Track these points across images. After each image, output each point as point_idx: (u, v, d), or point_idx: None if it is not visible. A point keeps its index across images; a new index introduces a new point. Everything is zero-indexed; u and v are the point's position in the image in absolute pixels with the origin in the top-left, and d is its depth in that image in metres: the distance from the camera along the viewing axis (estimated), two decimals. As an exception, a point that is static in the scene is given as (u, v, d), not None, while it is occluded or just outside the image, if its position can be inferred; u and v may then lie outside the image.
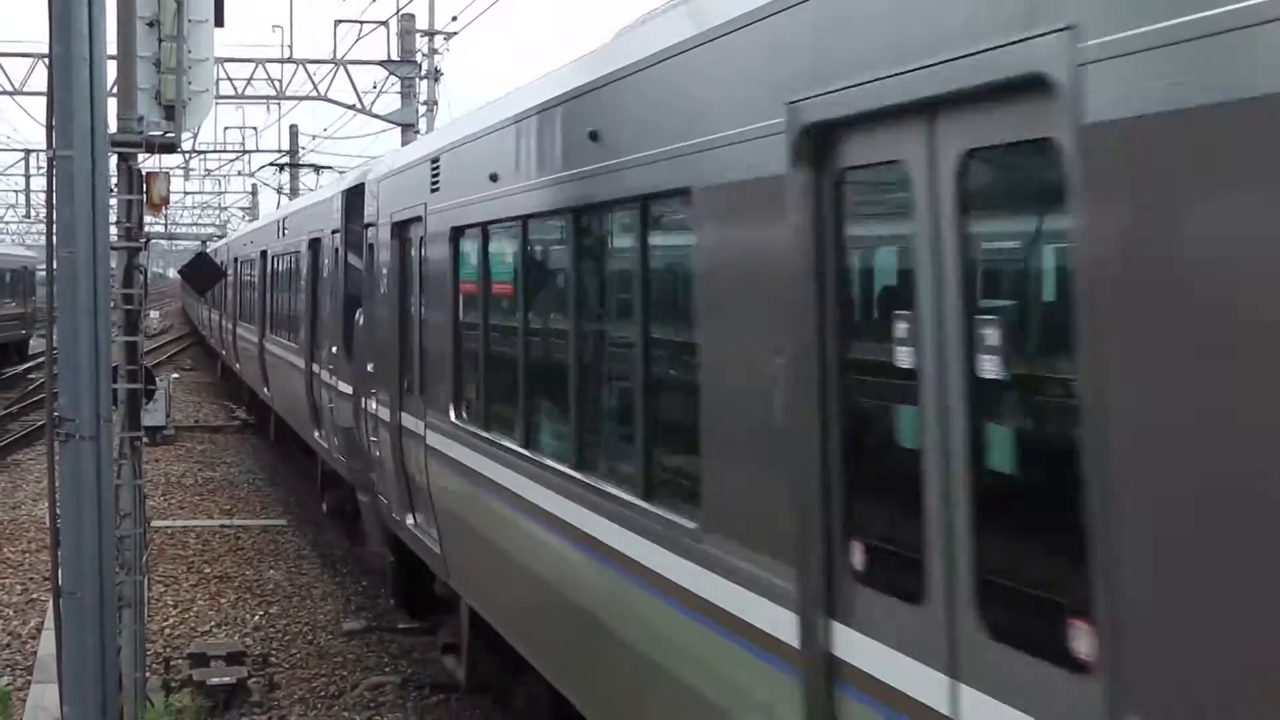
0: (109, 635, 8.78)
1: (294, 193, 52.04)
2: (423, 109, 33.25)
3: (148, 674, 11.10)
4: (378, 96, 34.57)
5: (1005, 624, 3.84)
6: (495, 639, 9.56)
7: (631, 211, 6.51)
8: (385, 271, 12.40)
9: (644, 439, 6.37)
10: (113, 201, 9.66)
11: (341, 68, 34.07)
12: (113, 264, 9.44)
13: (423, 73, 33.41)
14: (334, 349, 16.57)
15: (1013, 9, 3.63)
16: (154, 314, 72.34)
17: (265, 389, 25.54)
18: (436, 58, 33.91)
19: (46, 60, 8.67)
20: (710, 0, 5.84)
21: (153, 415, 25.72)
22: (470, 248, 9.67)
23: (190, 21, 10.32)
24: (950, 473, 4.01)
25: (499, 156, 8.67)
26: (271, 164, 29.72)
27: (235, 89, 35.72)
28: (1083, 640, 3.47)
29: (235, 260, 33.56)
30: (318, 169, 32.62)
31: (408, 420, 11.59)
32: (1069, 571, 3.52)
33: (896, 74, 4.13)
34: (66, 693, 8.74)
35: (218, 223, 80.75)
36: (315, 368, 18.55)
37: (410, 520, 11.78)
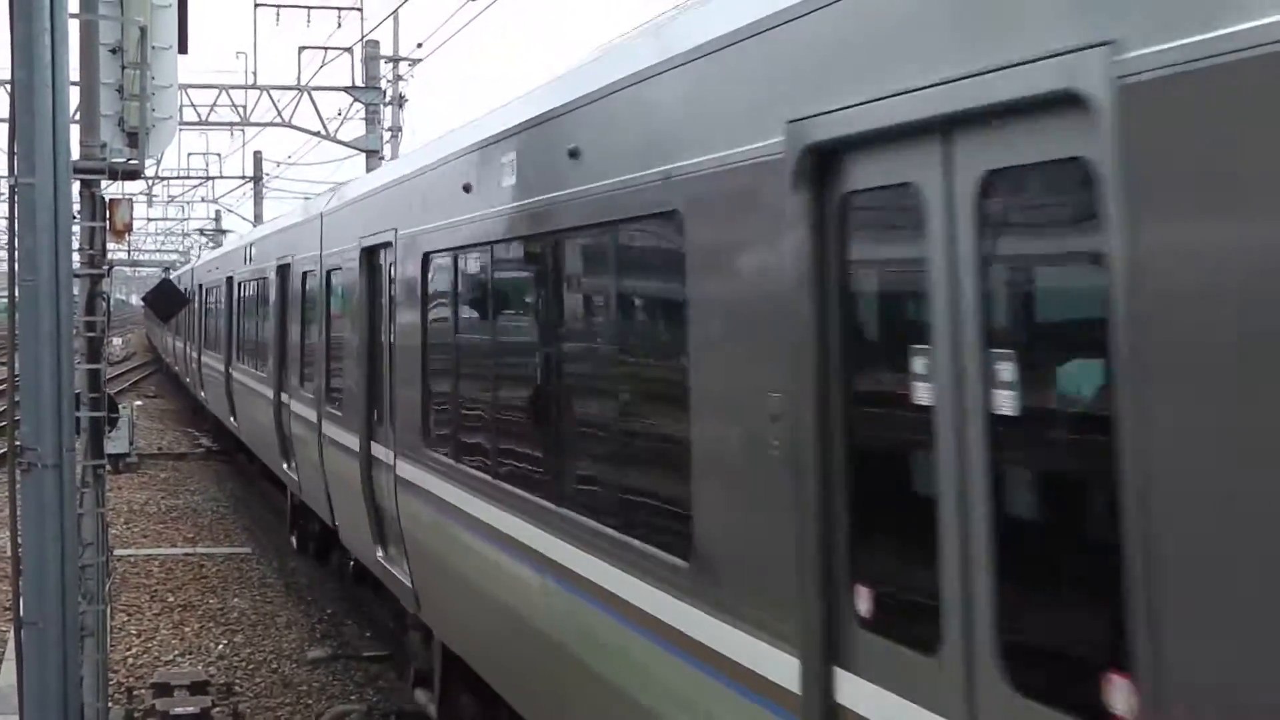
0: (71, 665, 8.70)
1: (258, 219, 51.95)
2: (387, 135, 33.24)
3: (110, 704, 11.00)
4: (342, 123, 34.50)
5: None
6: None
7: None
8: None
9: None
10: (75, 228, 9.61)
11: (306, 94, 34.01)
12: (75, 291, 9.39)
13: (387, 99, 33.39)
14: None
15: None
16: (117, 341, 71.96)
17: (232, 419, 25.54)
18: (401, 84, 33.93)
19: (8, 86, 8.63)
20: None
21: (116, 443, 25.61)
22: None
23: (154, 48, 10.28)
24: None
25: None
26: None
27: (199, 115, 35.61)
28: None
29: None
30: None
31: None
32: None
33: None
34: (28, 724, 8.65)
35: (181, 249, 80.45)
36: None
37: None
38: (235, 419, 24.92)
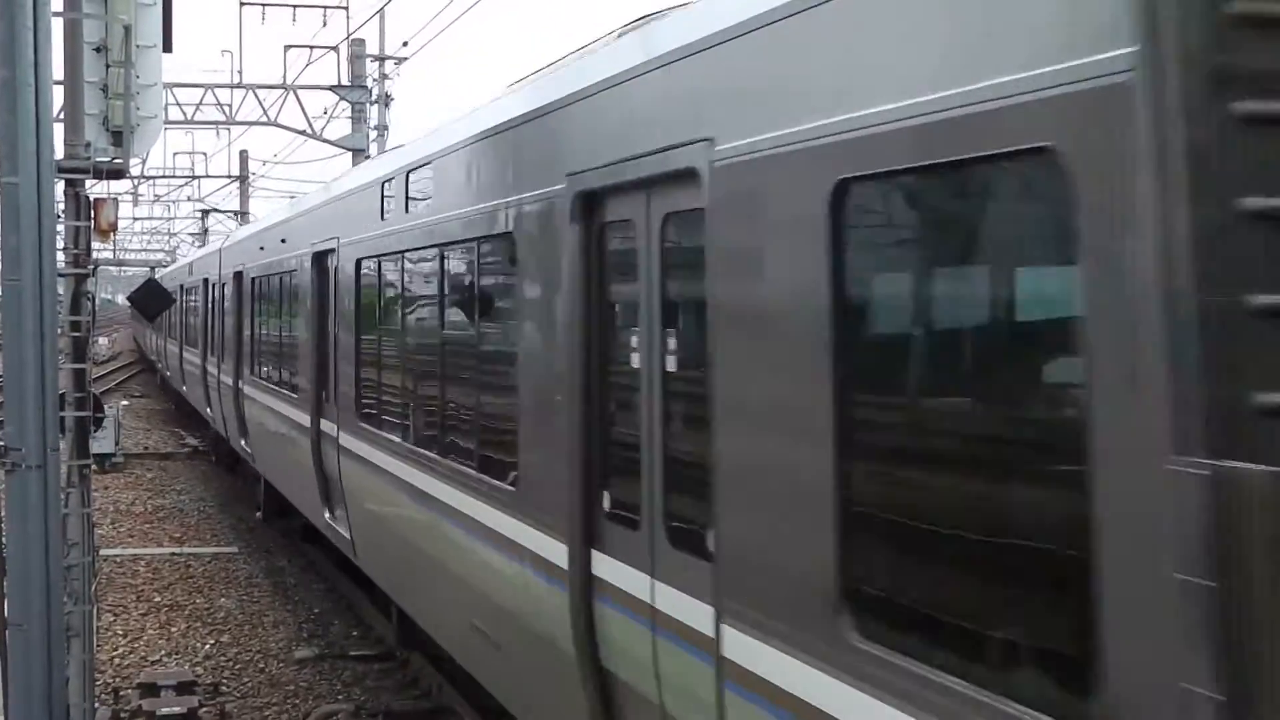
0: (57, 666, 8.68)
1: (243, 218, 51.83)
2: (373, 134, 33.20)
3: (96, 704, 10.97)
4: (328, 122, 34.46)
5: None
6: None
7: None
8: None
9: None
10: (60, 228, 9.59)
11: (292, 93, 33.97)
12: (60, 290, 9.37)
13: (373, 98, 33.36)
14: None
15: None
16: (102, 341, 71.82)
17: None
18: (387, 83, 33.89)
19: (-8, 85, 8.60)
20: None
21: (101, 443, 25.56)
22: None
23: (138, 47, 10.26)
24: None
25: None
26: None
27: (184, 114, 35.57)
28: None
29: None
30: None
31: None
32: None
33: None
34: (13, 725, 8.64)
35: (167, 248, 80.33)
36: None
37: None
38: (345, 521, 13.30)
